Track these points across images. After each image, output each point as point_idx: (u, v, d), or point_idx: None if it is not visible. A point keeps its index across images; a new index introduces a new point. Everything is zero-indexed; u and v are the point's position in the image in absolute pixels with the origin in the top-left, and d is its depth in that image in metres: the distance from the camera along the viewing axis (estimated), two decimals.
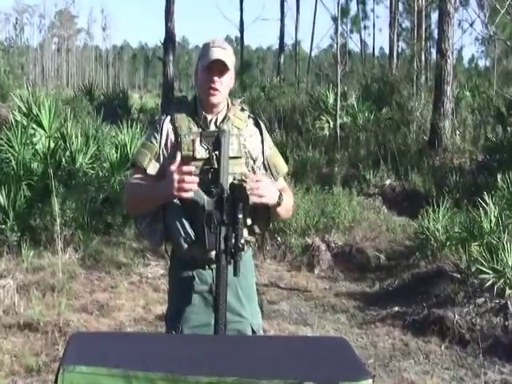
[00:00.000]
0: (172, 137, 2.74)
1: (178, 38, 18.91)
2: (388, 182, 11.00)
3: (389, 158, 11.73)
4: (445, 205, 7.28)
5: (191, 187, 2.55)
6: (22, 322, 5.16)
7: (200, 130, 2.72)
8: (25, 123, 8.30)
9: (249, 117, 2.85)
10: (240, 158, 2.72)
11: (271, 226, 2.94)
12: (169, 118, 2.77)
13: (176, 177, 2.55)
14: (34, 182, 7.57)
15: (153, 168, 2.73)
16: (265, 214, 2.77)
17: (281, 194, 2.72)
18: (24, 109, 8.87)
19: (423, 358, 5.01)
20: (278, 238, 7.68)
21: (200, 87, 2.76)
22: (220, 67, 2.68)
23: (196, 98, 2.81)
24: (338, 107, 14.33)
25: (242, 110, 2.84)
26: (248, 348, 1.91)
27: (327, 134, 14.69)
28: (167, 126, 2.75)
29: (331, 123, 14.72)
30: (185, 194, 2.56)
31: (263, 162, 2.81)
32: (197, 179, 2.57)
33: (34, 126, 8.46)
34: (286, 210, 2.81)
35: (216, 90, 2.69)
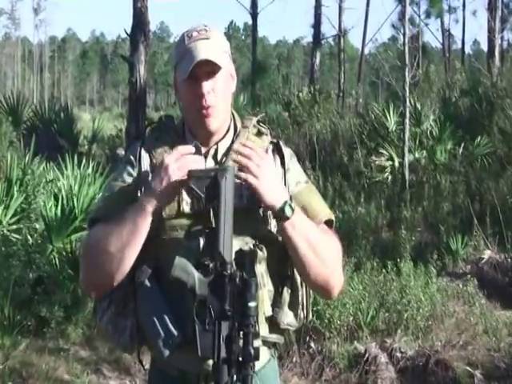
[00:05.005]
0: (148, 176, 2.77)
1: (153, 26, 19.14)
2: (487, 254, 11.00)
3: (487, 216, 11.77)
4: None
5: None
6: None
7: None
8: None
9: (271, 143, 2.87)
10: (254, 209, 2.71)
11: (307, 317, 2.90)
12: (144, 146, 2.82)
13: (174, 156, 2.62)
14: None
15: None
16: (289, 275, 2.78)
17: (293, 203, 2.64)
18: None
19: None
20: (312, 344, 7.69)
21: (185, 109, 2.82)
22: (207, 69, 2.71)
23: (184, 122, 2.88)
24: (407, 136, 14.42)
25: (259, 134, 2.88)
26: None
27: (389, 177, 14.79)
28: (145, 157, 2.81)
29: (396, 161, 14.83)
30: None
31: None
32: (201, 160, 2.68)
33: None
34: (306, 240, 2.66)
35: (209, 107, 2.71)
